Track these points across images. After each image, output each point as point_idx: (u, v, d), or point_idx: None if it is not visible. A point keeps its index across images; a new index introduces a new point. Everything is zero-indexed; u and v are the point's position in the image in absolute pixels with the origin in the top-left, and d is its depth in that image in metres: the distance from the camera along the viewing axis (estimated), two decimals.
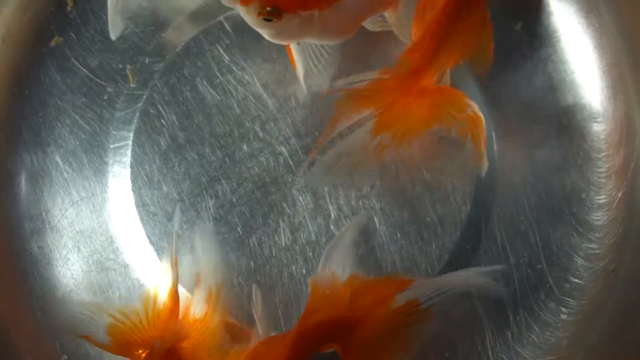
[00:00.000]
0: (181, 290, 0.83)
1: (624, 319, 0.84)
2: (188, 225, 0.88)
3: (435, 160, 0.87)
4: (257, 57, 0.90)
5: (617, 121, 0.87)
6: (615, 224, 0.86)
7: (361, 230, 0.86)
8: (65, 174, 0.90)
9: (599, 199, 0.87)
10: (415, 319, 0.77)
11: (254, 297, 0.84)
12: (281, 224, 0.87)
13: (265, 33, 0.77)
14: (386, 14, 0.83)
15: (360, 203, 0.87)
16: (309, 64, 0.84)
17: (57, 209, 0.90)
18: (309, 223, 0.87)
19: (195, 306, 0.81)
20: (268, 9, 0.72)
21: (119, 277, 0.89)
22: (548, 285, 0.85)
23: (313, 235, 0.87)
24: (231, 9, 0.88)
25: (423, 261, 0.86)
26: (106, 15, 0.91)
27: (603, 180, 0.87)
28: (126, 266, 0.89)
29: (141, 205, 0.89)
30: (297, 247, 0.87)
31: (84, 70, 0.91)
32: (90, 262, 0.89)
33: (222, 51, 0.90)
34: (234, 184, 0.88)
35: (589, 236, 0.86)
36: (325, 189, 0.87)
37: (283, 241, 0.87)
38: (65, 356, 0.87)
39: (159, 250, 0.88)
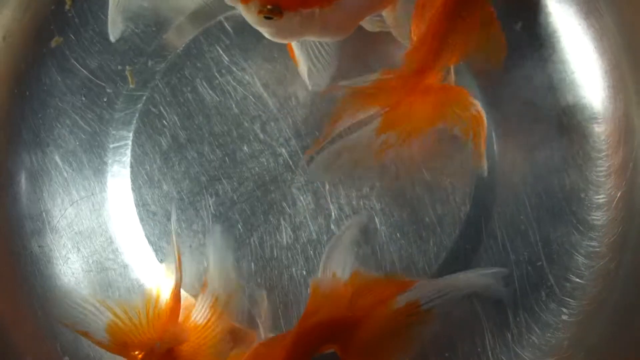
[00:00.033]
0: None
1: (624, 319, 0.84)
2: (187, 225, 0.88)
3: (435, 160, 0.87)
4: (257, 57, 0.90)
5: (617, 121, 0.87)
6: (615, 223, 0.86)
7: (361, 230, 0.86)
8: (65, 174, 0.90)
9: (599, 198, 0.87)
10: (416, 320, 0.77)
11: (258, 300, 0.84)
12: (282, 222, 0.87)
13: (265, 31, 0.77)
14: (384, 13, 0.83)
15: (361, 203, 0.87)
16: (310, 61, 0.84)
17: (56, 209, 0.90)
18: (309, 222, 0.87)
19: (198, 311, 0.81)
20: (269, 7, 0.72)
21: (119, 277, 0.88)
22: (549, 284, 0.85)
23: (314, 234, 0.87)
24: (231, 8, 0.88)
25: (421, 260, 0.86)
26: (105, 16, 0.91)
27: (602, 180, 0.87)
28: (126, 266, 0.89)
29: (141, 204, 0.89)
30: (298, 247, 0.87)
31: (84, 71, 0.92)
32: (90, 262, 0.89)
33: (222, 52, 0.90)
34: (234, 183, 0.88)
35: (590, 234, 0.86)
36: (327, 188, 0.87)
37: (284, 240, 0.87)
38: (67, 358, 0.87)
39: (158, 250, 0.88)
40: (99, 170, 0.90)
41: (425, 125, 0.79)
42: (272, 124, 0.89)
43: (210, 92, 0.90)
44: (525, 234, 0.86)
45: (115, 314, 0.77)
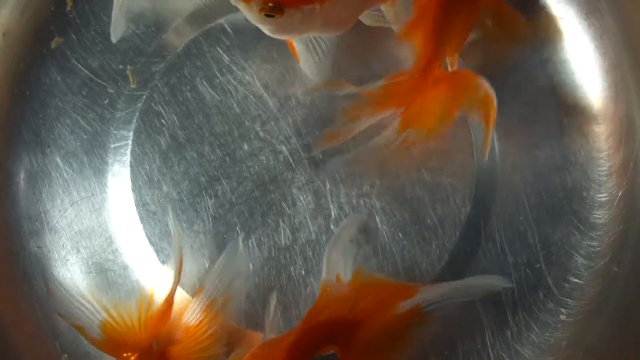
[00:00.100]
0: (180, 291, 0.83)
1: (623, 318, 0.84)
2: (188, 225, 0.88)
3: (435, 160, 0.87)
4: (257, 58, 0.90)
5: (618, 121, 0.87)
6: (616, 222, 0.86)
7: (361, 229, 0.86)
8: (65, 174, 0.90)
9: (600, 197, 0.87)
10: (416, 322, 0.77)
11: (272, 304, 0.85)
12: (281, 223, 0.87)
13: (267, 29, 0.77)
14: (383, 8, 0.83)
15: (361, 202, 0.87)
16: (308, 52, 0.84)
17: (56, 209, 0.90)
18: (309, 222, 0.87)
19: (191, 312, 0.81)
20: (270, 5, 0.72)
21: (119, 278, 0.89)
22: (547, 285, 0.85)
23: (313, 234, 0.87)
24: (231, 9, 0.88)
25: (424, 261, 0.86)
26: (106, 16, 0.91)
27: (604, 179, 0.87)
28: (126, 267, 0.89)
29: (141, 204, 0.89)
30: (297, 247, 0.87)
31: (85, 71, 0.91)
32: (90, 263, 0.89)
33: (222, 52, 0.90)
34: (233, 183, 0.88)
35: (590, 234, 0.86)
36: (327, 187, 0.87)
37: (283, 241, 0.87)
38: (66, 355, 0.87)
39: (159, 251, 0.88)
40: (100, 171, 0.90)
41: (443, 117, 0.79)
42: (272, 123, 0.89)
43: (211, 91, 0.90)
44: (524, 235, 0.86)
45: (109, 314, 0.77)
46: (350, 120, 0.80)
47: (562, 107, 0.88)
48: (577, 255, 0.86)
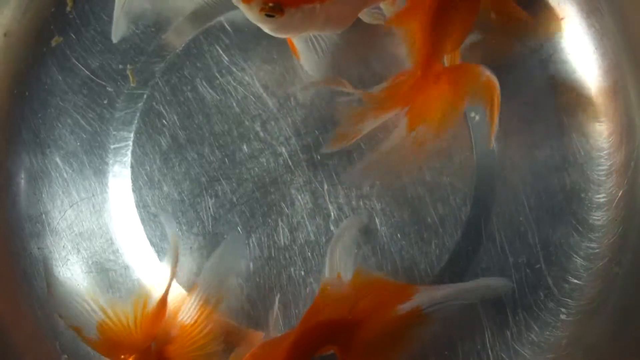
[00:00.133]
0: (178, 290, 0.83)
1: (623, 318, 0.84)
2: (188, 227, 0.88)
3: (435, 160, 0.87)
4: (256, 58, 0.90)
5: (618, 121, 0.87)
6: (615, 223, 0.86)
7: (361, 230, 0.86)
8: (65, 175, 0.90)
9: (599, 198, 0.87)
10: (416, 323, 0.77)
11: (275, 307, 0.85)
12: (280, 223, 0.87)
13: (267, 28, 0.77)
14: (382, 5, 0.83)
15: (361, 203, 0.87)
16: (308, 49, 0.84)
17: (56, 210, 0.90)
18: (307, 223, 0.87)
19: (186, 311, 0.81)
20: (270, 4, 0.72)
21: (119, 278, 0.89)
22: (547, 285, 0.85)
23: (312, 235, 0.87)
24: (231, 9, 0.88)
25: (423, 262, 0.86)
26: (106, 15, 0.91)
27: (603, 179, 0.87)
28: (126, 267, 0.89)
29: (142, 205, 0.89)
30: (295, 247, 0.87)
31: (85, 70, 0.91)
32: (90, 263, 0.89)
33: (221, 51, 0.90)
34: (233, 184, 0.88)
35: (589, 235, 0.86)
36: (325, 188, 0.87)
37: (282, 241, 0.87)
38: (66, 356, 0.87)
39: (160, 252, 0.88)
40: (100, 171, 0.90)
41: (450, 110, 0.79)
42: (272, 123, 0.89)
43: (211, 91, 0.90)
44: (525, 236, 0.86)
45: (105, 314, 0.77)
46: (355, 124, 0.80)
47: (562, 107, 0.88)
48: (576, 256, 0.86)
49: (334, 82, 0.83)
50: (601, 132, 0.88)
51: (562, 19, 0.89)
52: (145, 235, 0.88)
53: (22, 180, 0.90)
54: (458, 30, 0.80)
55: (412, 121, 0.79)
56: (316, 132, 0.88)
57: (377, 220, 0.87)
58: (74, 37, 0.92)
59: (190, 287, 0.85)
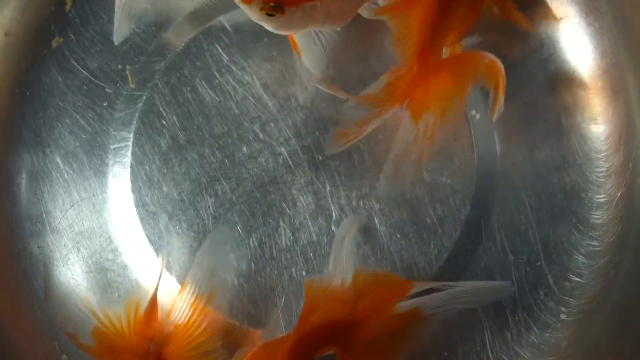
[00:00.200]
0: (174, 290, 0.84)
1: (623, 318, 0.84)
2: (188, 225, 0.88)
3: (435, 161, 0.87)
4: (257, 57, 0.90)
5: (617, 121, 0.87)
6: (615, 222, 0.86)
7: (361, 229, 0.86)
8: (65, 175, 0.90)
9: (599, 198, 0.87)
10: (416, 323, 0.77)
11: (278, 307, 0.85)
12: (281, 224, 0.87)
13: (268, 26, 0.77)
14: (381, 1, 0.83)
15: (361, 203, 0.87)
16: (310, 47, 0.84)
17: (57, 210, 0.90)
18: (309, 223, 0.87)
19: (178, 310, 0.81)
20: (271, 4, 0.72)
21: (118, 277, 0.88)
22: (548, 284, 0.85)
23: (314, 235, 0.87)
24: (231, 8, 0.88)
25: (422, 261, 0.86)
26: (106, 15, 0.91)
27: (602, 180, 0.87)
28: (125, 267, 0.89)
29: (141, 205, 0.89)
30: (297, 248, 0.87)
31: (84, 71, 0.91)
32: (90, 262, 0.89)
33: (221, 51, 0.90)
34: (233, 184, 0.88)
35: (590, 234, 0.86)
36: (327, 188, 0.87)
37: (284, 242, 0.87)
38: (65, 356, 0.87)
39: (159, 251, 0.88)
40: (100, 171, 0.90)
41: (454, 98, 0.78)
42: (272, 124, 0.89)
43: (210, 92, 0.90)
44: (525, 234, 0.86)
45: (98, 319, 0.77)
46: (358, 127, 0.80)
47: (561, 107, 0.88)
48: (577, 254, 0.86)
49: (330, 88, 0.83)
50: (600, 132, 0.88)
51: (561, 18, 0.89)
52: (144, 234, 0.88)
53: (23, 180, 0.90)
54: (459, 25, 0.79)
55: (414, 113, 0.78)
56: (316, 132, 0.88)
57: (376, 220, 0.87)
58: (73, 37, 0.92)
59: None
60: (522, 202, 0.87)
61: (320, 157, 0.87)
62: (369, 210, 0.87)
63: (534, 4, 0.89)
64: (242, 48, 0.90)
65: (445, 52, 0.82)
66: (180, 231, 0.88)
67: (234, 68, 0.90)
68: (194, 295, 0.81)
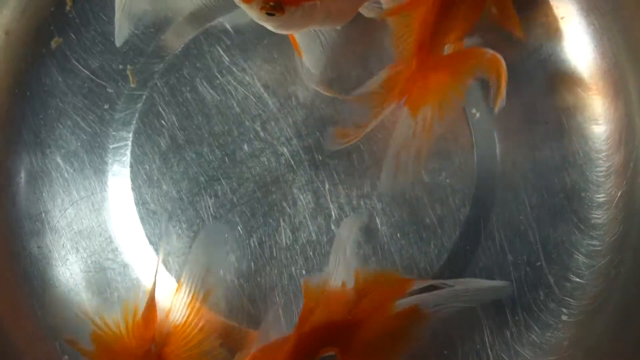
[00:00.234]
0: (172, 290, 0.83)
1: (624, 318, 0.84)
2: (187, 225, 0.88)
3: (435, 161, 0.87)
4: (257, 58, 0.90)
5: (618, 121, 0.87)
6: (616, 222, 0.86)
7: (361, 229, 0.86)
8: (65, 174, 0.90)
9: (599, 198, 0.87)
10: (415, 322, 0.77)
11: (278, 307, 0.85)
12: (282, 223, 0.87)
13: (269, 26, 0.77)
14: (382, 1, 0.83)
15: (362, 202, 0.87)
16: (310, 47, 0.84)
17: (56, 209, 0.90)
18: (309, 223, 0.87)
19: (175, 311, 0.80)
20: (271, 4, 0.72)
21: (118, 276, 0.88)
22: (548, 284, 0.85)
23: (314, 234, 0.87)
24: (231, 9, 0.88)
25: (423, 261, 0.86)
26: (106, 15, 0.91)
27: (602, 180, 0.87)
28: (125, 266, 0.88)
29: (141, 203, 0.89)
30: (297, 247, 0.87)
31: (85, 71, 0.91)
32: (89, 262, 0.89)
33: (222, 52, 0.90)
34: (234, 183, 0.88)
35: (591, 233, 0.86)
36: (326, 187, 0.87)
37: (284, 241, 0.87)
38: (66, 356, 0.87)
39: (158, 250, 0.88)
40: (100, 170, 0.90)
41: (452, 94, 0.78)
42: (273, 123, 0.89)
43: (211, 91, 0.90)
44: (525, 234, 0.86)
45: (95, 324, 0.77)
46: (358, 126, 0.80)
47: (561, 107, 0.88)
48: (577, 253, 0.86)
49: (329, 90, 0.84)
50: (600, 132, 0.88)
51: (561, 18, 0.89)
52: (144, 233, 0.88)
53: (22, 180, 0.90)
54: (460, 24, 0.79)
55: (413, 108, 0.78)
56: (317, 132, 0.88)
57: (377, 220, 0.87)
58: (73, 37, 0.92)
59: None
60: (522, 202, 0.87)
61: (320, 157, 0.87)
62: (369, 209, 0.87)
63: (534, 4, 0.89)
64: (242, 49, 0.90)
65: (448, 50, 0.82)
66: (180, 232, 0.88)
67: (234, 69, 0.90)
68: (191, 294, 0.80)
